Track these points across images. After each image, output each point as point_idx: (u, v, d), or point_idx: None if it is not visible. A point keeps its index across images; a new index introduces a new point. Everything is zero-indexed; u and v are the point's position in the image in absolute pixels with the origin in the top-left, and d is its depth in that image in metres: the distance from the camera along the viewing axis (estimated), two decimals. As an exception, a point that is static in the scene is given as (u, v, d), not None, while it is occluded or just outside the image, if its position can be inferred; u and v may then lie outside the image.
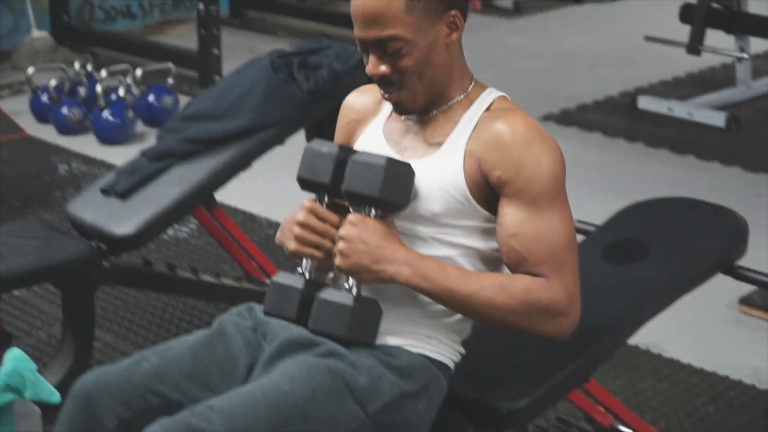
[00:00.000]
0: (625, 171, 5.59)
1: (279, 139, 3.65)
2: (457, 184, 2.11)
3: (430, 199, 2.14)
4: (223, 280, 3.81)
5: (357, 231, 2.04)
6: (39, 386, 2.96)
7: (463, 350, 2.29)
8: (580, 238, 3.19)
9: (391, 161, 2.04)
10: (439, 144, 2.16)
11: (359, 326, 2.08)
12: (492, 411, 2.39)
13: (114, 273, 3.48)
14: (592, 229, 3.22)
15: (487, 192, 2.11)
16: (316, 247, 2.14)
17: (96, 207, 3.42)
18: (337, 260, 2.08)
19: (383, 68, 2.09)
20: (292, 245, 2.16)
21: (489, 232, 2.15)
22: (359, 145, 2.32)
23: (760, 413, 3.46)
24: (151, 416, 1.99)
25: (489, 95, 2.20)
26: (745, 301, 4.07)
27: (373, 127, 2.32)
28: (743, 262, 2.94)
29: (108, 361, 3.57)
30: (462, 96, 2.20)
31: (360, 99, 2.41)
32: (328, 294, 2.12)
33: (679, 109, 6.32)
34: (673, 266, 2.87)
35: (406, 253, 2.06)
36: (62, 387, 3.18)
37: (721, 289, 3.33)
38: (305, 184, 2.18)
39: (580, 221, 3.33)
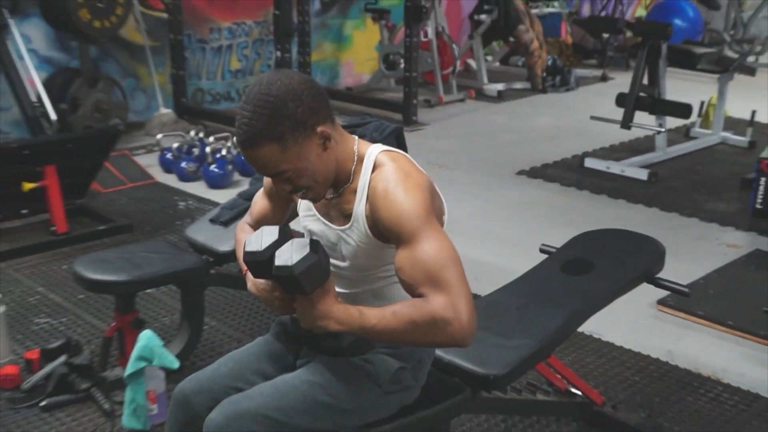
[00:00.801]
0: (576, 210, 5.60)
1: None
2: (369, 239, 2.03)
3: (356, 256, 2.09)
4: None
5: (300, 308, 1.96)
6: (163, 357, 3.08)
7: None
8: (543, 257, 3.33)
9: (301, 270, 1.87)
10: (349, 215, 2.05)
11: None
12: (483, 377, 2.43)
13: (218, 278, 3.56)
14: (553, 250, 3.25)
15: (383, 234, 2.01)
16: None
17: (206, 232, 3.50)
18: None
19: (287, 188, 2.00)
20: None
21: (387, 250, 2.05)
22: (301, 208, 2.24)
23: (673, 382, 3.47)
24: None
25: (371, 155, 2.05)
26: (662, 302, 4.10)
27: (306, 203, 2.20)
28: (661, 275, 3.03)
29: (212, 340, 3.74)
30: (353, 166, 2.05)
31: None
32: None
33: (614, 167, 6.36)
34: (611, 278, 2.93)
35: (332, 310, 1.93)
36: (181, 357, 3.32)
37: (645, 293, 3.38)
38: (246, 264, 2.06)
39: (544, 244, 3.42)
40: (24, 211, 5.01)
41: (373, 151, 2.07)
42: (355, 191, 2.05)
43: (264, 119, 1.88)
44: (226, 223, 3.51)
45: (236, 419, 1.94)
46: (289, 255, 1.89)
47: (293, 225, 2.45)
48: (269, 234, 1.98)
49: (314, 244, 1.94)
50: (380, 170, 2.02)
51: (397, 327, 1.88)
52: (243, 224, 2.45)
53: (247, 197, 3.59)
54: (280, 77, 1.95)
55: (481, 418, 3.19)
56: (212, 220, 3.57)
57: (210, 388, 2.13)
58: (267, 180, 2.30)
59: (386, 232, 1.98)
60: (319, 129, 1.95)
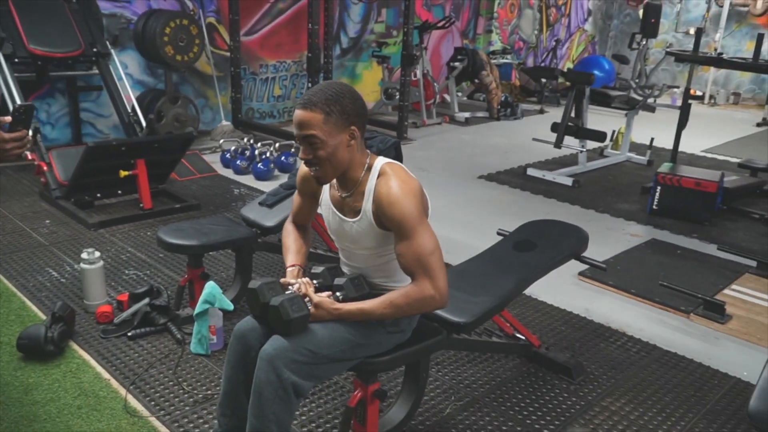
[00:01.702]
0: (520, 205, 5.55)
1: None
2: (373, 228, 2.05)
3: (364, 240, 2.10)
4: (318, 250, 3.81)
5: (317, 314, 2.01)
6: (222, 301, 3.04)
7: None
8: (498, 238, 3.29)
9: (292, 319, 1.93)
10: (359, 210, 2.07)
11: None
12: (455, 323, 2.42)
13: (263, 245, 3.51)
14: (506, 233, 3.23)
15: (386, 226, 2.03)
16: None
17: (256, 211, 3.44)
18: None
19: (309, 155, 1.98)
20: None
21: (388, 237, 2.07)
22: (323, 202, 2.23)
23: (590, 332, 3.44)
24: None
25: (377, 166, 2.06)
26: (582, 274, 4.06)
27: (326, 198, 2.20)
28: (584, 254, 3.01)
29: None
30: (363, 174, 2.05)
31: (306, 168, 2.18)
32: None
33: (548, 175, 6.30)
34: (549, 254, 2.90)
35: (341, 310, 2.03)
36: (234, 302, 3.28)
37: (570, 267, 3.35)
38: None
39: (500, 229, 3.39)
40: (119, 192, 4.95)
41: (379, 162, 2.08)
42: (363, 193, 2.07)
43: (324, 96, 1.93)
44: (271, 206, 3.45)
45: (283, 350, 1.92)
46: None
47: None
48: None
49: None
50: (384, 178, 2.03)
51: (396, 311, 2.02)
52: (287, 226, 2.45)
53: (287, 187, 3.56)
54: (348, 85, 2.04)
55: (451, 353, 3.16)
56: (260, 203, 3.51)
57: (259, 328, 2.09)
58: (299, 182, 2.32)
59: (390, 227, 2.02)
60: (353, 127, 1.99)
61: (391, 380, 2.89)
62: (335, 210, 2.16)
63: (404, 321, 2.20)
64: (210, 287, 3.03)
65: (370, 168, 2.07)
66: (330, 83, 1.99)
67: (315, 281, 2.17)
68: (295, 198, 2.41)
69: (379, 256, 2.15)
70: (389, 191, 1.98)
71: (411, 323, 2.25)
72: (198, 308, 2.98)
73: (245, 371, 2.08)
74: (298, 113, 1.95)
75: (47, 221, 4.60)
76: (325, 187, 2.21)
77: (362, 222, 2.08)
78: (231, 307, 3.04)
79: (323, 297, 2.07)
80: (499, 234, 3.32)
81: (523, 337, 3.07)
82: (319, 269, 2.19)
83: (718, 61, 5.63)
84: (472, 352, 3.15)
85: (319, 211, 2.37)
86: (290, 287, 2.10)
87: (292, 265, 2.26)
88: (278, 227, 3.34)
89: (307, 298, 2.05)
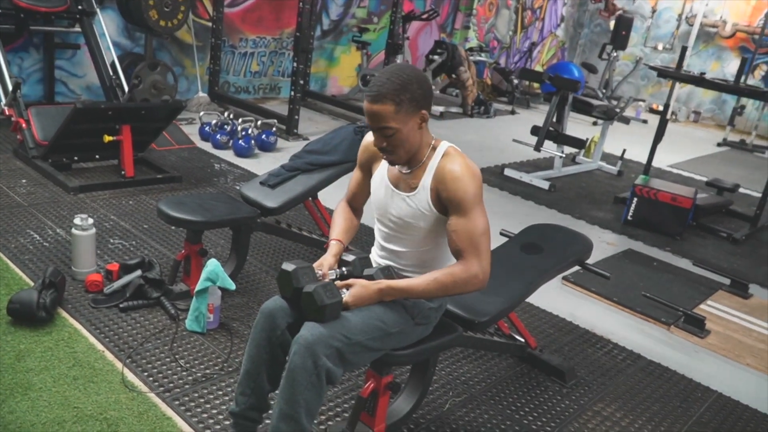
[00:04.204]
0: (499, 205, 5.59)
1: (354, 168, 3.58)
2: (427, 206, 2.06)
3: (412, 218, 2.10)
4: (312, 235, 3.78)
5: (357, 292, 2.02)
6: (225, 280, 2.98)
7: None
8: (504, 239, 3.32)
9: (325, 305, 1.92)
10: (416, 186, 2.08)
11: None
12: (470, 321, 2.45)
13: (262, 226, 3.45)
14: (510, 235, 3.28)
15: (441, 204, 2.05)
16: None
17: (256, 191, 3.39)
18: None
19: (383, 143, 2.00)
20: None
21: (440, 221, 2.08)
22: (374, 182, 2.25)
23: (577, 336, 3.50)
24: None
25: (442, 147, 2.08)
26: (565, 278, 4.12)
27: (381, 172, 2.21)
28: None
29: (248, 270, 3.61)
30: (427, 153, 2.07)
31: (369, 139, 2.25)
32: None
33: (526, 177, 6.37)
34: (556, 259, 2.94)
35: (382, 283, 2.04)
36: (232, 278, 3.21)
37: None
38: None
39: (504, 230, 3.44)
40: (97, 156, 4.81)
41: (444, 144, 2.11)
42: (424, 170, 2.08)
43: (393, 86, 1.92)
44: (273, 186, 3.40)
45: (321, 337, 1.90)
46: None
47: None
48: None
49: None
50: (449, 157, 2.07)
51: (441, 288, 2.02)
52: (342, 204, 2.45)
53: (289, 169, 3.52)
54: (412, 67, 2.05)
55: (457, 349, 3.19)
56: (261, 183, 3.45)
57: (287, 308, 2.08)
58: (362, 153, 2.32)
59: (448, 202, 2.04)
60: (423, 111, 2.00)
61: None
62: (390, 183, 2.17)
63: (433, 314, 2.21)
64: (212, 265, 2.97)
65: (434, 149, 2.09)
66: (396, 69, 1.98)
67: (344, 269, 2.15)
68: (354, 175, 2.40)
69: (420, 240, 2.15)
70: (454, 168, 2.02)
71: (437, 316, 2.26)
72: (199, 285, 2.92)
73: (269, 350, 2.07)
74: (369, 107, 1.96)
75: (23, 181, 4.43)
76: (384, 162, 2.21)
77: (416, 197, 2.09)
78: (233, 286, 2.99)
79: (359, 279, 2.07)
80: (502, 234, 3.35)
81: (520, 338, 3.12)
82: (349, 258, 2.17)
83: (700, 81, 5.78)
84: (469, 349, 3.17)
85: None
86: (320, 272, 2.09)
87: (336, 240, 2.26)
88: (280, 209, 3.31)
89: (342, 288, 2.04)
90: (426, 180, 2.07)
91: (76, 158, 4.76)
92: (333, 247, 2.23)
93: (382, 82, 1.93)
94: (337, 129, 3.73)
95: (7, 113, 4.77)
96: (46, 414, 2.31)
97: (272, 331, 2.05)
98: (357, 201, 2.42)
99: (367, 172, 2.32)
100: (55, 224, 3.84)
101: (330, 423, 2.50)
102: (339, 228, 2.32)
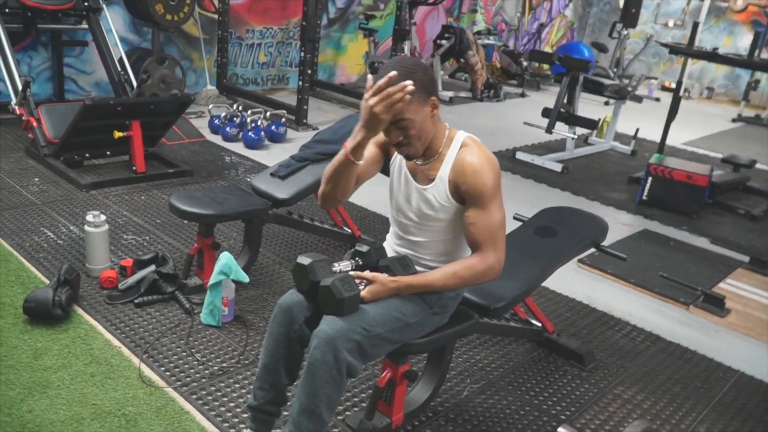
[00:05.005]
0: (513, 189, 5.53)
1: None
2: (446, 197, 2.04)
3: (431, 210, 2.08)
4: (324, 225, 3.77)
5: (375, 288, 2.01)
6: (238, 273, 2.98)
7: None
8: (519, 223, 3.29)
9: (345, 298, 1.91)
10: (434, 178, 2.06)
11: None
12: (486, 307, 2.44)
13: (274, 217, 3.44)
14: (524, 218, 3.25)
15: (460, 195, 2.03)
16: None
17: (267, 182, 3.37)
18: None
19: (399, 137, 1.96)
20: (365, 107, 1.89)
21: (459, 212, 2.06)
22: (393, 171, 2.20)
23: (594, 319, 3.46)
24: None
25: (459, 138, 2.06)
26: (582, 261, 4.09)
27: (399, 163, 2.17)
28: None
29: (261, 262, 3.60)
30: (443, 142, 2.05)
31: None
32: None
33: (538, 160, 6.32)
34: (571, 242, 2.91)
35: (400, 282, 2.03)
36: (245, 270, 3.19)
37: None
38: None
39: (518, 214, 3.41)
40: (108, 153, 4.81)
41: (461, 135, 2.08)
42: (442, 161, 2.06)
43: (401, 77, 1.86)
44: (284, 177, 3.38)
45: (341, 331, 1.89)
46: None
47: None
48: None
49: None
50: (467, 148, 2.04)
51: (460, 281, 2.04)
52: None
53: (299, 159, 3.49)
54: (412, 57, 2.02)
55: (474, 335, 3.17)
56: (272, 174, 3.43)
57: (304, 302, 2.06)
58: (381, 140, 2.18)
59: (467, 195, 2.02)
60: (432, 98, 1.97)
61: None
62: (409, 175, 2.13)
63: (450, 303, 2.20)
64: (226, 258, 2.96)
65: (450, 139, 2.07)
66: (398, 60, 1.94)
67: (359, 260, 2.13)
68: (370, 146, 2.21)
69: (440, 230, 2.13)
70: (474, 160, 2.00)
71: (455, 305, 2.25)
72: (213, 279, 2.91)
73: (287, 345, 2.05)
74: None
75: (36, 179, 4.44)
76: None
77: (435, 189, 2.07)
78: (246, 279, 2.98)
79: (377, 274, 2.04)
80: (516, 219, 3.32)
81: (537, 323, 3.09)
82: (363, 248, 2.15)
83: (713, 56, 5.70)
84: (486, 335, 3.15)
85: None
86: (336, 265, 2.07)
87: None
88: (292, 200, 3.28)
89: (359, 280, 2.02)
90: (444, 171, 2.04)
91: (87, 155, 4.77)
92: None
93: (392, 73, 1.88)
94: (346, 117, 3.71)
95: (18, 112, 4.78)
96: (64, 411, 2.32)
97: (290, 326, 2.04)
98: (365, 168, 2.28)
99: (382, 153, 2.23)
100: (68, 222, 3.84)
101: (348, 413, 2.49)
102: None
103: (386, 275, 2.05)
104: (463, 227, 2.07)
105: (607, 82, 6.92)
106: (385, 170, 2.27)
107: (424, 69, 1.96)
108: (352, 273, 2.05)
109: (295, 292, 2.08)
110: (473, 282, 2.05)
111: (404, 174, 2.15)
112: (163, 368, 2.64)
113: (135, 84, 5.44)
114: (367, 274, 2.03)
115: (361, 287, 2.01)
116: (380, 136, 2.21)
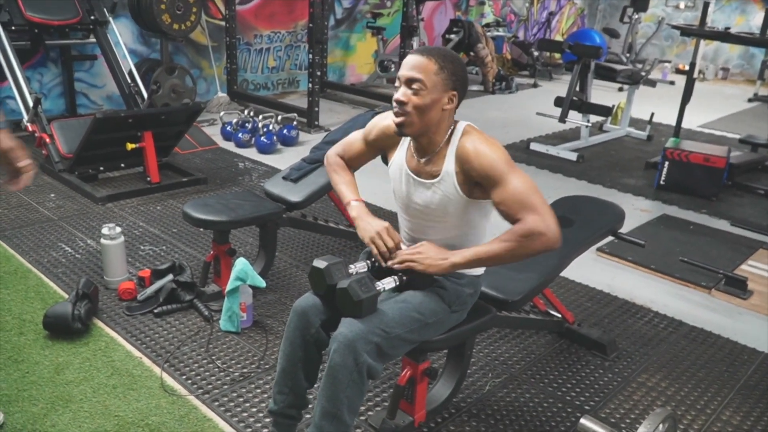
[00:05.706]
0: (528, 181, 5.50)
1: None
2: (455, 192, 2.01)
3: (439, 206, 2.05)
4: (339, 225, 3.77)
5: (424, 254, 2.02)
6: (255, 278, 2.98)
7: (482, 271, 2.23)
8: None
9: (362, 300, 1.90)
10: (437, 174, 2.03)
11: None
12: (503, 301, 2.43)
13: (288, 220, 3.44)
14: None
15: (471, 185, 1.99)
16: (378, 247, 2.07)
17: (280, 186, 3.38)
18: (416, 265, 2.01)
19: (405, 97, 1.93)
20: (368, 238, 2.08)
21: (470, 205, 2.04)
22: (392, 167, 2.18)
23: (615, 308, 3.44)
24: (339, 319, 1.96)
25: (459, 128, 2.02)
26: (600, 249, 4.05)
27: (399, 161, 2.15)
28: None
29: (278, 266, 3.62)
30: (445, 138, 2.02)
31: (386, 122, 2.17)
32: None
33: (552, 150, 6.29)
34: (588, 231, 2.88)
35: (451, 253, 2.01)
36: (262, 275, 3.21)
37: None
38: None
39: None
40: (122, 165, 4.85)
41: (461, 124, 2.06)
42: (444, 156, 2.03)
43: (443, 53, 1.96)
44: (296, 181, 3.39)
45: (360, 333, 1.88)
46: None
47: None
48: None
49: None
50: (467, 136, 2.02)
51: (508, 250, 1.93)
52: (334, 158, 2.37)
53: (311, 161, 3.49)
54: (454, 52, 2.06)
55: (493, 330, 3.16)
56: (284, 178, 3.44)
57: (320, 305, 2.06)
58: (375, 132, 2.24)
59: (481, 179, 1.97)
60: (454, 92, 1.97)
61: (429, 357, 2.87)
62: (411, 173, 2.11)
63: (469, 300, 2.18)
64: (242, 264, 2.97)
65: (452, 133, 2.04)
66: (443, 48, 2.03)
67: (375, 261, 2.12)
68: (358, 142, 2.32)
69: (450, 226, 2.10)
70: (474, 144, 1.97)
71: (473, 301, 2.23)
72: (230, 285, 2.92)
73: (304, 348, 2.05)
74: (414, 57, 1.96)
75: (52, 195, 4.49)
76: (399, 151, 2.16)
77: (442, 184, 2.03)
78: (263, 284, 2.99)
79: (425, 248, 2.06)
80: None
81: (557, 314, 3.07)
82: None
83: (726, 36, 5.63)
84: (506, 329, 3.14)
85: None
86: (352, 266, 2.08)
87: (357, 200, 2.22)
88: (305, 203, 3.29)
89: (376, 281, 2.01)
90: (449, 166, 2.02)
91: (101, 168, 4.81)
92: (365, 209, 2.19)
93: (433, 47, 2.00)
94: (356, 117, 3.69)
95: (30, 129, 4.83)
96: (87, 425, 2.34)
97: (306, 330, 2.04)
98: (352, 162, 2.35)
99: (372, 150, 2.28)
100: (85, 235, 3.88)
101: (370, 413, 2.49)
102: (347, 184, 2.28)
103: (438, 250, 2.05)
104: (477, 221, 2.07)
105: (619, 67, 6.86)
106: (385, 160, 2.30)
107: (463, 67, 2.01)
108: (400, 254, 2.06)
109: (310, 296, 2.08)
110: (525, 251, 1.92)
111: (405, 173, 2.13)
112: (184, 377, 2.65)
113: (145, 95, 5.47)
114: (412, 250, 2.05)
115: (390, 285, 2.01)
116: (373, 135, 2.24)
